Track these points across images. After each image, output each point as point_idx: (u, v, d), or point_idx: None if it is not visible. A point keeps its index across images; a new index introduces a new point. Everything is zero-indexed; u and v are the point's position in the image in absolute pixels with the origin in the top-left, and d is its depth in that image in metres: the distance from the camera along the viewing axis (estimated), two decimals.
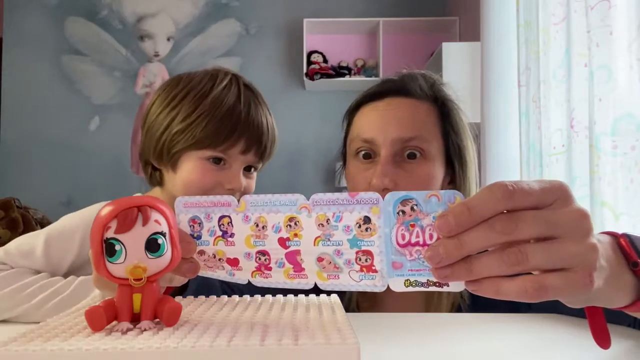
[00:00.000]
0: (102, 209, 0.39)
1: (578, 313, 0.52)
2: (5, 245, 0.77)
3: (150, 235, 0.39)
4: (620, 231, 0.43)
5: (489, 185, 0.35)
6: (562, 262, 0.35)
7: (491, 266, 0.35)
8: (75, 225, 0.80)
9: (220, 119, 0.79)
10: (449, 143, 0.78)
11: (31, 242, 0.78)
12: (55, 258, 0.77)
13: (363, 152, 0.77)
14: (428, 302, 0.76)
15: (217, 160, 0.81)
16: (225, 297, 0.53)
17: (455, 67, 2.58)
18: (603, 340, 0.43)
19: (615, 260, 0.40)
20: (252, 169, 0.86)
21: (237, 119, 0.80)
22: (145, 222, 0.39)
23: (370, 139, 0.76)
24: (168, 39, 3.38)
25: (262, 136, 0.83)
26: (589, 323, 0.43)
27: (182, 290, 0.59)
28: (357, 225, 0.40)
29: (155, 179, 0.88)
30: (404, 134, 0.74)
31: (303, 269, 0.43)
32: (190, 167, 0.81)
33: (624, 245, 0.41)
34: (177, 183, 0.84)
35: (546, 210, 0.35)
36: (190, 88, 0.83)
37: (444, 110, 0.79)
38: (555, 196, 0.36)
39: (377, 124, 0.76)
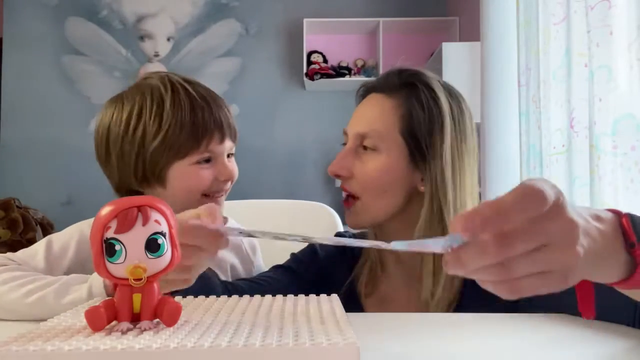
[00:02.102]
0: (102, 209, 0.39)
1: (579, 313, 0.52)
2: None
3: (150, 235, 0.39)
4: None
5: (525, 189, 0.36)
6: (543, 268, 0.37)
7: (479, 272, 0.38)
8: (73, 231, 0.83)
9: (189, 121, 0.80)
10: (415, 138, 0.78)
11: (34, 247, 0.82)
12: (54, 260, 0.79)
13: (343, 143, 0.86)
14: (426, 286, 0.78)
15: (207, 160, 0.83)
16: (225, 297, 0.53)
17: (455, 67, 2.58)
18: (588, 310, 0.44)
19: (612, 238, 0.41)
20: (230, 155, 0.88)
21: (202, 115, 0.81)
22: (145, 222, 0.39)
23: (346, 133, 0.85)
24: (168, 39, 3.38)
25: (229, 118, 0.85)
26: (577, 291, 0.44)
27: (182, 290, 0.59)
28: None
29: None
30: (361, 129, 0.82)
31: None
32: (184, 176, 0.82)
33: (625, 225, 0.42)
34: (174, 194, 0.82)
35: (540, 224, 0.36)
36: (140, 105, 0.81)
37: (410, 105, 0.79)
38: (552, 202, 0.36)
39: (352, 120, 0.85)
